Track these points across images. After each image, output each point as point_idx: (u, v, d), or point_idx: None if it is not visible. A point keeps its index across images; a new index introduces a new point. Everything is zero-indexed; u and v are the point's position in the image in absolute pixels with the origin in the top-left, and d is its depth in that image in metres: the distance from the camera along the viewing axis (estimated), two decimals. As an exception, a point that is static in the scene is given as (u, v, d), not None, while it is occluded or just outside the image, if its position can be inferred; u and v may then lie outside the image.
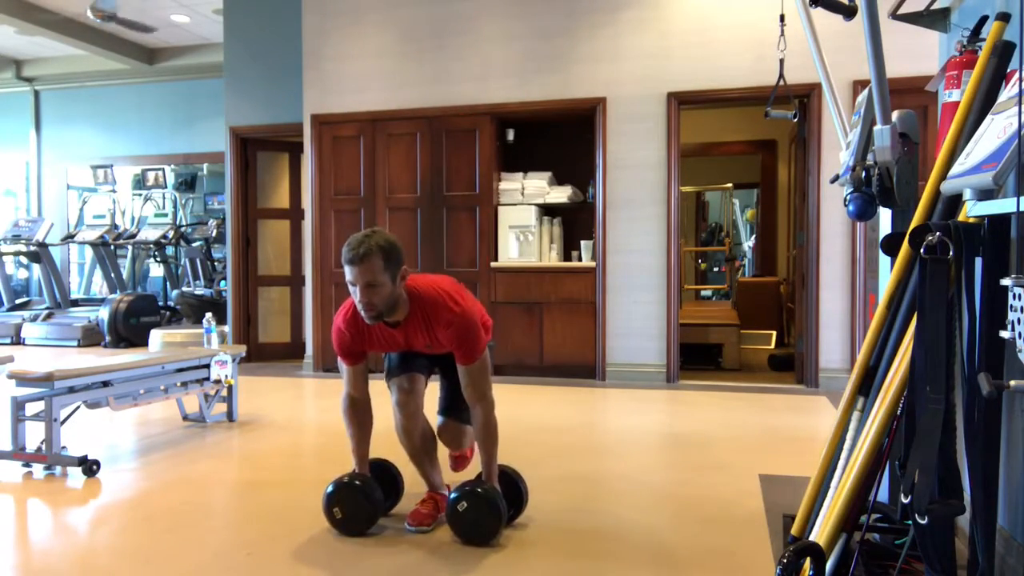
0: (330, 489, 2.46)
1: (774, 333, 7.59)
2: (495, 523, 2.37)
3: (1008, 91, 1.69)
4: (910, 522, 1.70)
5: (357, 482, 2.45)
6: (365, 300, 2.21)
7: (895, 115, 2.01)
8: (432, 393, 2.70)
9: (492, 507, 2.37)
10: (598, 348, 5.66)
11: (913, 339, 1.70)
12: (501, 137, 6.04)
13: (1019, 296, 1.46)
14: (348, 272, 2.21)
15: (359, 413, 2.51)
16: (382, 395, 2.60)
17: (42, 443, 3.24)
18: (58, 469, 3.28)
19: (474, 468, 3.02)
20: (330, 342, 6.52)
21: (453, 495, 2.39)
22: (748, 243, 10.30)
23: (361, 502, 2.44)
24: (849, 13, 2.15)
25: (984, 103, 1.84)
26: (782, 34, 3.11)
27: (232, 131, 6.83)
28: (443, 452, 2.74)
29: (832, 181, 2.42)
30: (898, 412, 1.76)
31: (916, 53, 3.82)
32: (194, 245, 9.20)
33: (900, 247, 1.92)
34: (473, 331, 2.35)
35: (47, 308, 9.01)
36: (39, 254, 8.99)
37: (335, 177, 6.23)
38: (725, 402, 4.88)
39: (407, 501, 2.70)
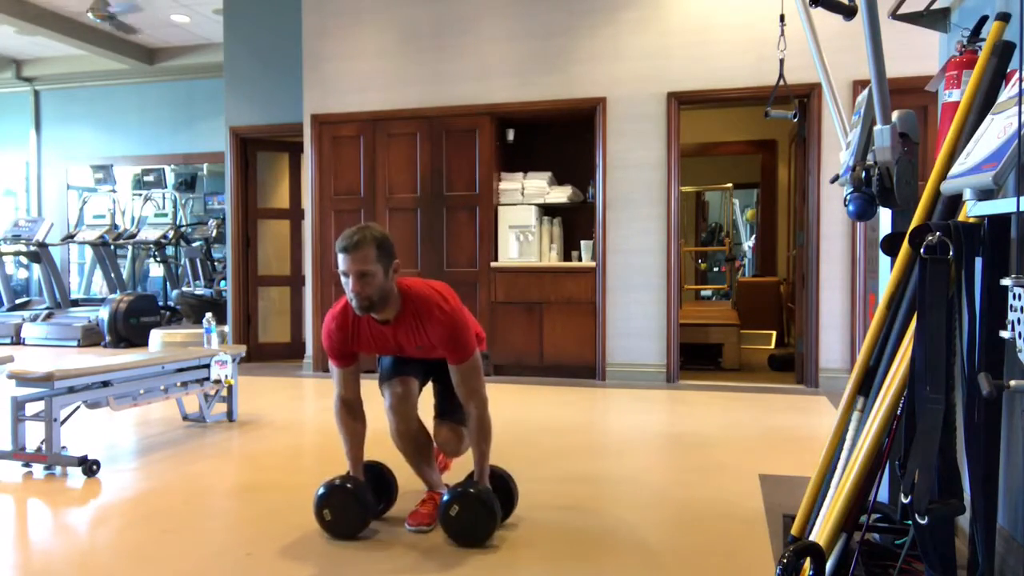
0: (320, 491, 2.44)
1: (774, 333, 7.59)
2: (489, 524, 2.36)
3: (1008, 91, 1.69)
4: (910, 522, 1.70)
5: (348, 485, 2.43)
6: (357, 289, 2.25)
7: (895, 115, 2.00)
8: (427, 406, 2.70)
9: (486, 508, 2.36)
10: (598, 348, 5.66)
11: (913, 339, 1.70)
12: (501, 137, 6.04)
13: (1019, 296, 1.46)
14: (342, 261, 2.26)
15: (351, 416, 2.51)
16: (376, 398, 2.60)
17: (42, 443, 3.24)
18: (58, 469, 3.28)
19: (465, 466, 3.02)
20: (330, 342, 6.51)
21: (445, 498, 2.37)
22: (748, 243, 10.30)
23: (351, 505, 2.42)
24: (849, 13, 2.15)
25: (984, 103, 1.84)
26: (782, 34, 3.11)
27: (232, 131, 6.83)
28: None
29: (832, 181, 2.42)
30: (898, 412, 1.76)
31: (916, 53, 3.82)
32: (194, 245, 9.20)
33: (900, 247, 1.92)
34: (463, 330, 2.38)
35: (47, 308, 9.01)
36: (39, 254, 8.99)
37: (335, 177, 6.23)
38: (725, 402, 4.88)
39: (407, 502, 2.70)
